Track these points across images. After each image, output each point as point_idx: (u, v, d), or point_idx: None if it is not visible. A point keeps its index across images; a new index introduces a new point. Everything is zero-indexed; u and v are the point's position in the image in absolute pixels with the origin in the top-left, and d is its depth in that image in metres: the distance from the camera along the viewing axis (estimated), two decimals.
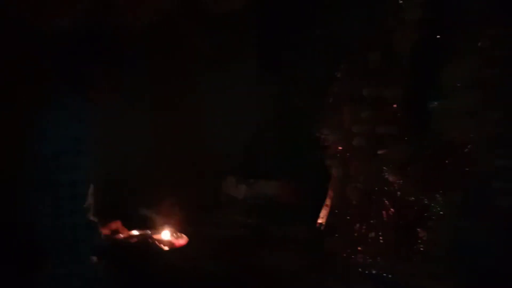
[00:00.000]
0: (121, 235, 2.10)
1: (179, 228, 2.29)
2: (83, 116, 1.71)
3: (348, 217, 2.70)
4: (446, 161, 2.61)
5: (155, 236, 2.22)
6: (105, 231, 1.99)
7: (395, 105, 2.66)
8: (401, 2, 2.79)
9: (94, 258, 1.81)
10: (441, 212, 2.50)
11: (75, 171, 1.65)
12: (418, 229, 2.55)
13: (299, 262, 2.68)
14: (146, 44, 3.17)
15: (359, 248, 2.59)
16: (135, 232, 2.20)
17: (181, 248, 2.18)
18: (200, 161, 3.27)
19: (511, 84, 2.68)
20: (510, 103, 2.69)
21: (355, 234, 2.61)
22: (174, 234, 2.26)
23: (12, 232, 2.33)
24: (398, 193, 2.55)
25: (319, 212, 2.84)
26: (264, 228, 2.98)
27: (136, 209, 2.34)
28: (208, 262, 2.62)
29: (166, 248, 2.15)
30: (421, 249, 2.53)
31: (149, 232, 2.24)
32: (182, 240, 2.22)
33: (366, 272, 2.55)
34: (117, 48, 1.91)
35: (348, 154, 2.71)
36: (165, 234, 2.26)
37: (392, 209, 2.53)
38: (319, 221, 2.79)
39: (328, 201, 2.77)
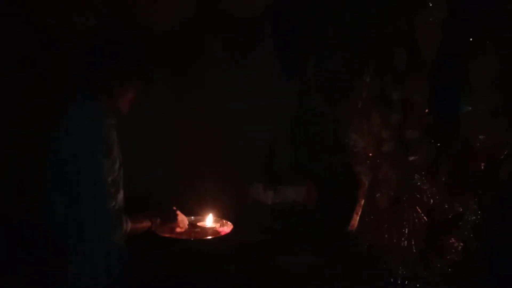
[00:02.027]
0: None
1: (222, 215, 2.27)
2: (99, 117, 1.71)
3: (377, 224, 2.66)
4: (475, 165, 2.57)
5: (200, 224, 2.20)
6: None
7: (423, 108, 2.61)
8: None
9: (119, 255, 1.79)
10: (475, 220, 2.46)
11: (92, 171, 1.64)
12: (450, 237, 2.51)
13: (324, 268, 2.66)
14: (166, 48, 3.18)
15: (388, 256, 2.56)
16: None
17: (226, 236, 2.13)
18: (223, 166, 3.25)
19: None
20: None
21: (385, 242, 2.58)
22: (219, 221, 2.23)
23: (36, 233, 2.32)
24: (431, 200, 2.50)
25: (344, 217, 2.82)
26: (289, 232, 2.96)
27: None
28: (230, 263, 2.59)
29: (210, 236, 2.11)
30: (453, 257, 2.49)
31: (192, 218, 2.22)
32: (227, 228, 2.19)
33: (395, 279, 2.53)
34: (137, 52, 1.92)
35: (377, 159, 2.66)
36: (209, 221, 2.23)
37: (424, 217, 2.49)
38: (350, 228, 2.76)
39: (358, 208, 2.73)
